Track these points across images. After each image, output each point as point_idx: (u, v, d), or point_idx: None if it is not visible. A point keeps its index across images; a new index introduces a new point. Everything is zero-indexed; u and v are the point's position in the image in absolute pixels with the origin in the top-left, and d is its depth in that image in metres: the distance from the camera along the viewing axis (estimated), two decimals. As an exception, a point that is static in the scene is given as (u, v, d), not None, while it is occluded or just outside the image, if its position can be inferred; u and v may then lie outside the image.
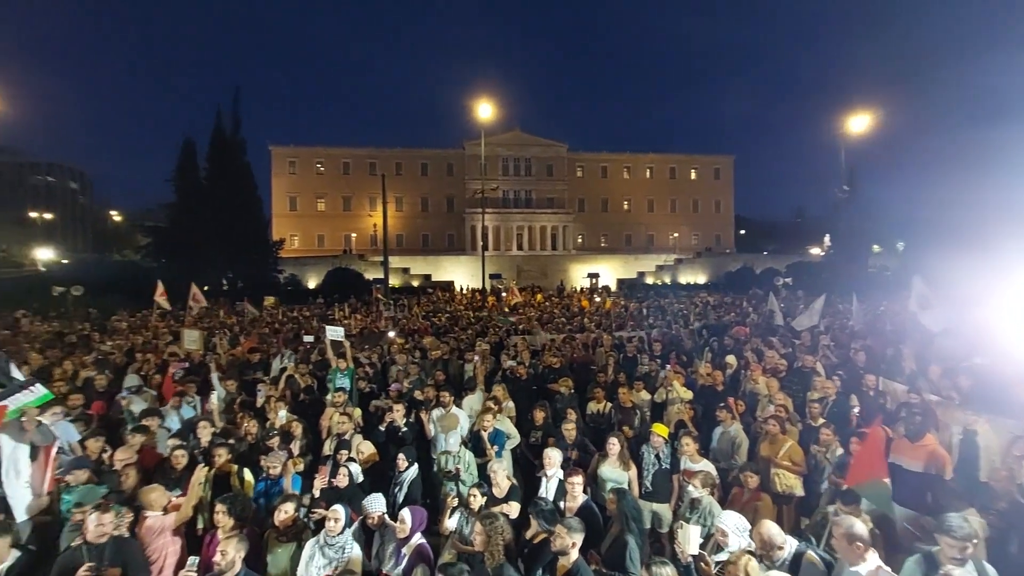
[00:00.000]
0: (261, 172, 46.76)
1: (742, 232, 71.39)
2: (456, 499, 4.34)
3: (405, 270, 46.33)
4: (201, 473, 4.55)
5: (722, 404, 6.19)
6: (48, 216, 62.88)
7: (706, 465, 5.02)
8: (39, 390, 4.90)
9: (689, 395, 7.34)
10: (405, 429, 6.06)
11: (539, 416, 6.24)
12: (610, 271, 50.04)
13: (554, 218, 59.56)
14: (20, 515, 3.87)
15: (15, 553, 3.52)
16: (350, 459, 5.25)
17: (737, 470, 5.24)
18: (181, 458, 4.95)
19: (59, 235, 65.34)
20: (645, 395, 7.47)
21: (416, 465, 5.05)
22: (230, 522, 3.96)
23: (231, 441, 5.44)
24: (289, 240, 50.02)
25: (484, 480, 4.79)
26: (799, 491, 5.23)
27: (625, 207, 64.56)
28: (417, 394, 7.18)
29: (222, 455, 5.04)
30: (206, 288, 24.98)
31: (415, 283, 44.11)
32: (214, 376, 7.42)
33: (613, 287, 41.70)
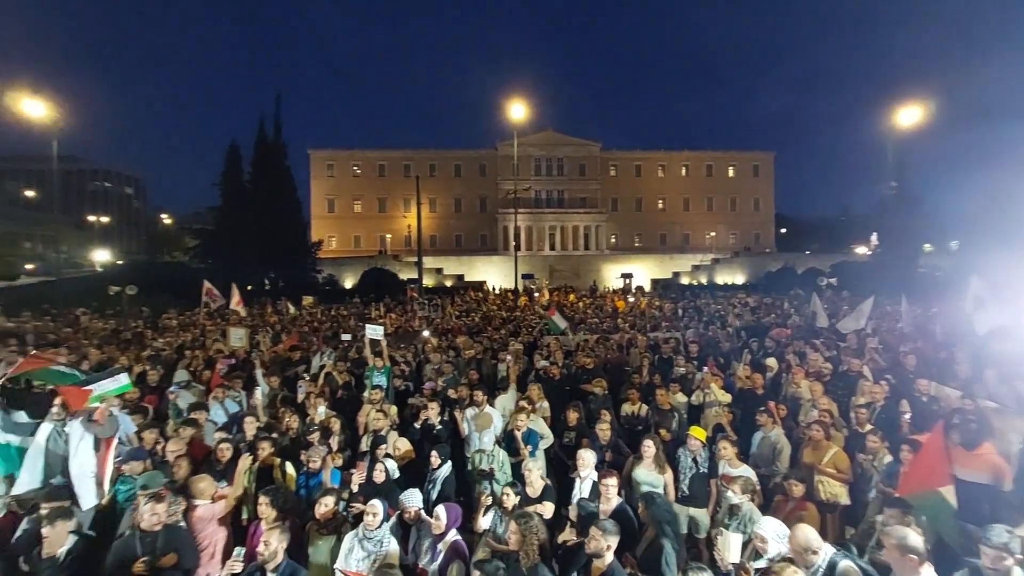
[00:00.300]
0: (301, 175, 48.33)
1: (783, 231, 69.02)
2: (490, 498, 4.37)
3: (438, 270, 46.88)
4: (245, 463, 4.74)
5: (762, 408, 6.02)
6: (105, 220, 66.70)
7: (745, 470, 4.90)
8: (122, 379, 5.19)
9: (727, 398, 7.17)
10: (439, 427, 6.15)
11: (572, 417, 6.22)
12: (644, 271, 49.35)
13: (587, 218, 59.15)
14: (86, 503, 4.11)
15: (72, 538, 3.71)
16: (387, 455, 5.36)
17: (780, 477, 5.09)
18: (226, 451, 5.16)
19: (115, 238, 69.25)
20: (681, 397, 7.34)
21: (450, 463, 5.12)
22: (273, 513, 4.10)
23: (274, 435, 5.64)
24: (327, 241, 51.39)
25: (518, 480, 4.81)
26: (844, 500, 5.04)
27: (659, 206, 63.52)
28: (451, 393, 7.26)
29: (266, 448, 5.23)
30: (249, 288, 25.96)
31: (448, 283, 44.56)
32: (258, 372, 7.70)
33: (647, 287, 41.08)
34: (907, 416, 6.02)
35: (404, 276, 39.28)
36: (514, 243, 37.19)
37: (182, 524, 4.01)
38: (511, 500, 4.13)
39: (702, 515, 5.09)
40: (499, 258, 51.24)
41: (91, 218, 64.34)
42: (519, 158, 42.78)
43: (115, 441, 4.46)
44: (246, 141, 37.87)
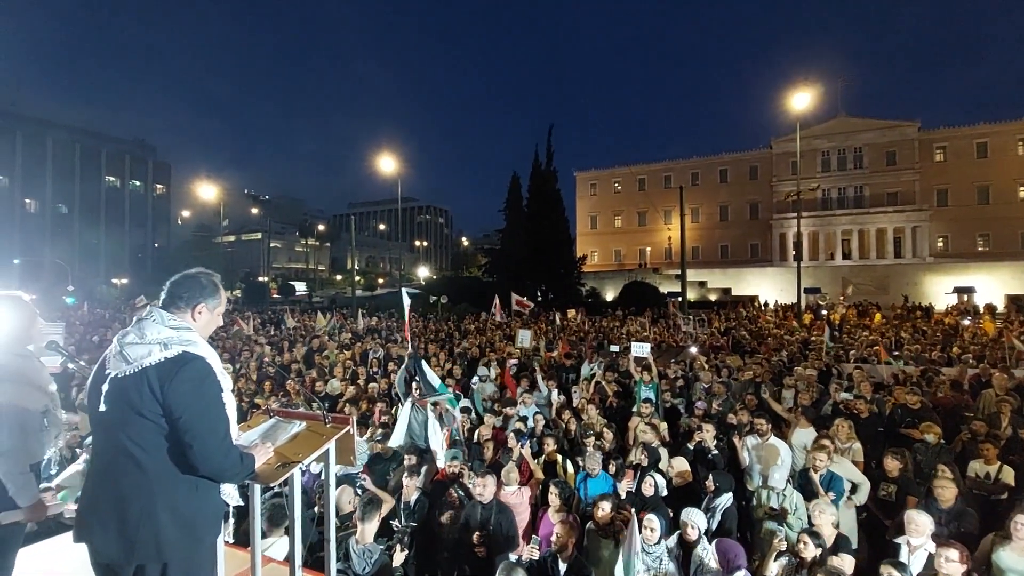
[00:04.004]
0: (568, 195, 52.55)
1: None
2: (783, 543, 3.89)
3: (702, 283, 44.41)
4: (526, 451, 5.40)
5: None
6: (425, 244, 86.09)
7: None
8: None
9: None
10: (716, 452, 5.79)
11: (893, 466, 5.02)
12: (993, 284, 36.66)
13: (898, 217, 47.35)
14: (439, 466, 5.36)
15: (416, 493, 4.83)
16: (657, 470, 5.34)
17: None
18: (514, 443, 5.92)
19: (431, 258, 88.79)
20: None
21: (731, 494, 4.76)
22: (559, 503, 4.53)
23: (557, 433, 6.24)
24: (589, 256, 54.29)
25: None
26: None
27: (1022, 195, 46.18)
28: (730, 418, 6.77)
29: (550, 444, 5.83)
30: (524, 298, 29.47)
31: (712, 297, 41.76)
32: (539, 376, 8.64)
33: (1000, 306, 30.37)
34: None
35: (664, 289, 38.53)
36: (794, 252, 32.43)
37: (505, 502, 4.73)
38: (810, 551, 3.59)
39: None
40: (773, 269, 45.47)
41: (417, 243, 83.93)
42: (801, 153, 36.97)
43: (452, 428, 5.65)
44: (527, 170, 43.12)
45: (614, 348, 11.90)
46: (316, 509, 4.46)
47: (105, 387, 1.93)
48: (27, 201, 53.33)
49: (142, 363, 1.92)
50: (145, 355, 1.93)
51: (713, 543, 3.94)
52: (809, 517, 4.20)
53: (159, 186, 65.08)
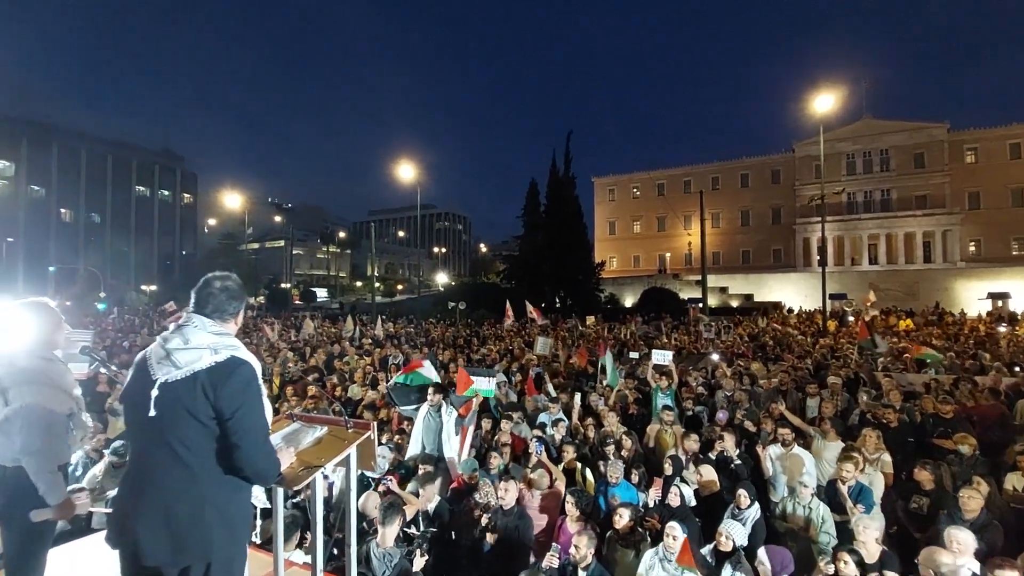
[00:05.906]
0: (586, 201, 52.30)
1: None
2: (831, 566, 3.73)
3: (723, 289, 43.74)
4: (542, 456, 5.35)
5: None
6: (443, 250, 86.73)
7: None
8: (492, 385, 6.56)
9: None
10: (738, 462, 5.67)
11: (925, 478, 4.86)
12: (1031, 289, 35.29)
13: (928, 221, 45.97)
14: (455, 472, 5.36)
15: (437, 499, 4.81)
16: (682, 480, 5.25)
17: None
18: (534, 452, 5.87)
19: (450, 264, 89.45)
20: None
21: (758, 504, 4.65)
22: (576, 512, 4.49)
23: (577, 441, 6.19)
24: (608, 262, 53.92)
25: (845, 541, 4.03)
26: None
27: (1058, 197, 44.43)
28: (748, 425, 6.63)
29: (568, 452, 5.78)
30: (543, 305, 29.39)
31: (734, 303, 41.12)
32: (548, 384, 8.61)
33: (1039, 312, 29.16)
34: None
35: (684, 295, 38.03)
36: (819, 257, 31.72)
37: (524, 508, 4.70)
38: (850, 568, 3.46)
39: None
40: (796, 275, 44.52)
41: (436, 250, 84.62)
42: (825, 156, 36.03)
43: (471, 429, 5.64)
44: (545, 176, 43.02)
45: (633, 355, 11.77)
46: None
47: (155, 392, 1.96)
48: (62, 211, 55.31)
49: (193, 368, 1.96)
50: (196, 359, 1.97)
51: (760, 550, 3.83)
52: (852, 532, 4.06)
53: (187, 195, 66.91)
